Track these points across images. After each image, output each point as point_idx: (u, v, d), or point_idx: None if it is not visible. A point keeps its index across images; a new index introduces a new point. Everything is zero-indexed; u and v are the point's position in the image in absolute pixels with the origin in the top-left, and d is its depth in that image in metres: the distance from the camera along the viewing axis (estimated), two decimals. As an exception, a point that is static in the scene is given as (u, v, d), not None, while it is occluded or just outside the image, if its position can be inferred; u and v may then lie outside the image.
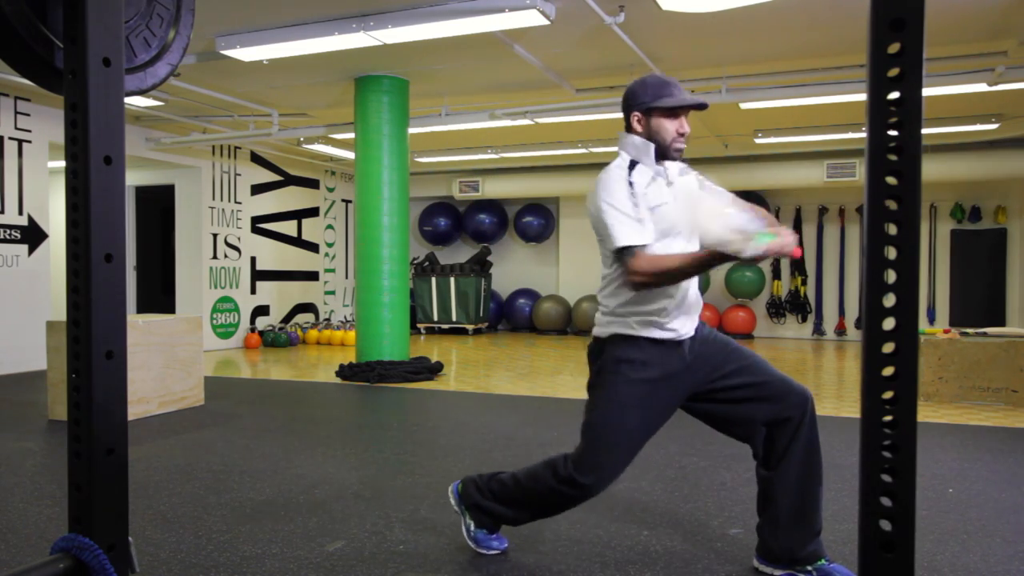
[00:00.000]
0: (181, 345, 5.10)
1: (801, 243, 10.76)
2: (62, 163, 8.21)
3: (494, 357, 8.39)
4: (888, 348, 0.93)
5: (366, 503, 3.00)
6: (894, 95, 0.92)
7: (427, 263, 11.49)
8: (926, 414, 4.97)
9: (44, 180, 7.47)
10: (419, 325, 11.32)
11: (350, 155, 9.90)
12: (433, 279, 11.25)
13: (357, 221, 7.02)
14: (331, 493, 3.14)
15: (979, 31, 5.42)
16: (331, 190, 11.52)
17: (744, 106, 7.28)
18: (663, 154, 2.25)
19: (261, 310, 10.13)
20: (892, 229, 0.92)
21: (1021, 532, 2.70)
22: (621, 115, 2.34)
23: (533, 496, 2.31)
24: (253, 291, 10.01)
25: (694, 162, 8.71)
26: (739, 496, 3.08)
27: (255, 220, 10.04)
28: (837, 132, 8.55)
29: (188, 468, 3.56)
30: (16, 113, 7.17)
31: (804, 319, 10.86)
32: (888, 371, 0.93)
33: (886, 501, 0.94)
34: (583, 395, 2.34)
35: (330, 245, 11.49)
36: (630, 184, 2.16)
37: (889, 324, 0.93)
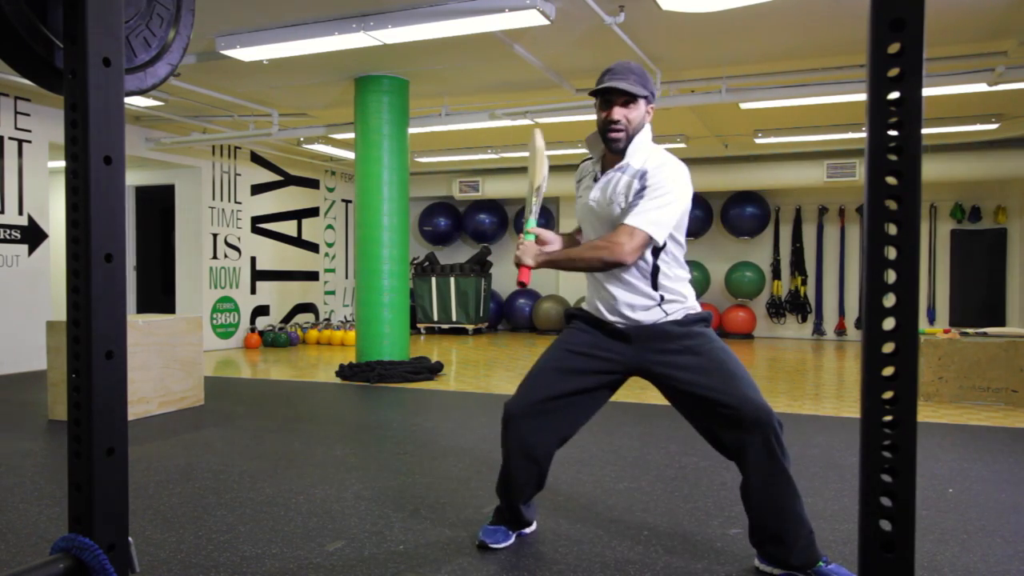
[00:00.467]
0: (181, 345, 5.10)
1: (801, 243, 10.77)
2: (62, 163, 8.22)
3: (494, 357, 8.39)
4: (888, 348, 0.93)
5: (366, 503, 3.00)
6: (894, 95, 0.92)
7: (427, 263, 11.49)
8: (926, 414, 4.97)
9: (44, 180, 7.47)
10: (419, 325, 11.32)
11: (350, 155, 9.90)
12: (433, 279, 11.25)
13: (357, 221, 7.02)
14: (331, 493, 3.14)
15: (979, 31, 5.42)
16: (331, 190, 11.52)
17: (744, 106, 7.28)
18: (604, 143, 2.31)
19: (261, 310, 10.13)
20: (892, 229, 0.92)
21: (1021, 532, 2.70)
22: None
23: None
24: (253, 291, 10.01)
25: (694, 162, 8.69)
26: (739, 496, 3.07)
27: (255, 220, 10.04)
28: (837, 132, 8.55)
29: (188, 468, 3.56)
30: (16, 113, 7.17)
31: (804, 319, 10.86)
32: (888, 371, 0.93)
33: (886, 501, 0.94)
34: (583, 395, 2.36)
35: (330, 245, 11.49)
36: (577, 177, 2.50)
37: (889, 324, 0.93)
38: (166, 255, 10.18)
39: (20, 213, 7.25)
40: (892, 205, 0.92)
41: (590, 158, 2.44)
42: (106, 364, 1.33)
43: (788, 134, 8.77)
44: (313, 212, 11.14)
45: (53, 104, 7.41)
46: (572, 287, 11.66)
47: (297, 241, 10.81)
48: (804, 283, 10.80)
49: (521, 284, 2.29)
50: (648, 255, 2.28)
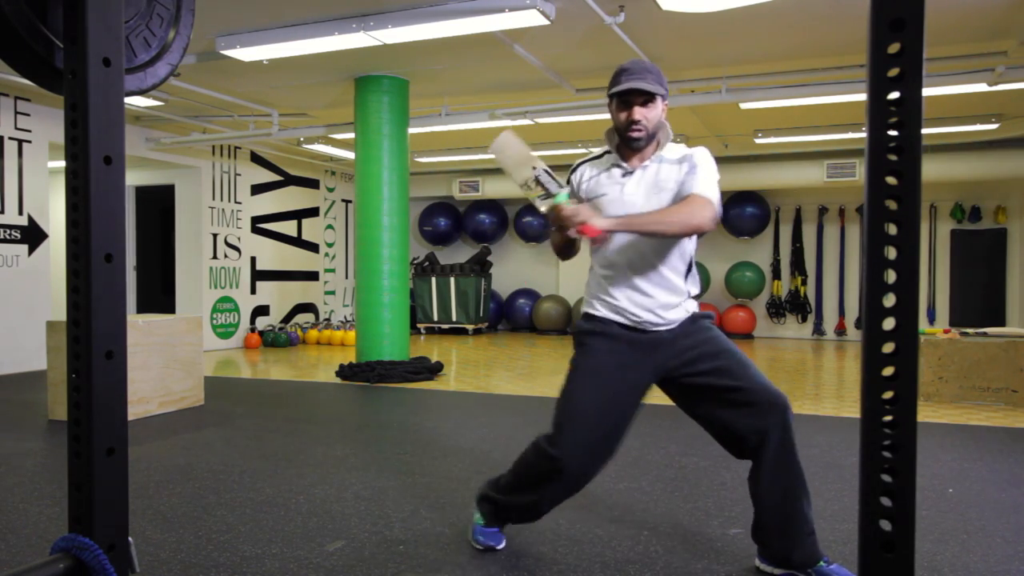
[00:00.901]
0: (181, 345, 5.10)
1: (801, 243, 10.77)
2: (62, 163, 8.21)
3: (494, 357, 8.39)
4: (888, 348, 0.93)
5: (366, 503, 3.00)
6: (894, 95, 0.92)
7: (427, 263, 11.49)
8: (926, 414, 4.97)
9: (44, 180, 7.47)
10: (419, 325, 11.32)
11: (350, 155, 9.90)
12: (433, 279, 11.25)
13: (357, 221, 7.02)
14: (331, 493, 3.14)
15: (979, 31, 5.42)
16: (331, 190, 11.52)
17: (744, 106, 7.28)
18: (624, 142, 2.26)
19: (261, 310, 10.13)
20: (892, 229, 0.92)
21: (1021, 532, 2.70)
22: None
23: (520, 477, 2.36)
24: (253, 291, 10.01)
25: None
26: (739, 496, 3.08)
27: (255, 220, 10.04)
28: (837, 132, 8.55)
29: (188, 468, 3.56)
30: (16, 113, 7.17)
31: (804, 319, 10.86)
32: (888, 371, 0.93)
33: (886, 501, 0.94)
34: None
35: (330, 245, 11.49)
36: (579, 177, 2.36)
37: (889, 324, 0.93)
38: (166, 255, 10.18)
39: (20, 213, 7.25)
40: (892, 205, 0.92)
41: (586, 160, 2.40)
42: (106, 364, 1.33)
43: (788, 134, 8.77)
44: (313, 212, 11.14)
45: (53, 104, 7.41)
46: (572, 287, 11.66)
47: (297, 241, 10.81)
48: (804, 283, 10.79)
49: (600, 239, 2.11)
50: (690, 247, 2.29)
